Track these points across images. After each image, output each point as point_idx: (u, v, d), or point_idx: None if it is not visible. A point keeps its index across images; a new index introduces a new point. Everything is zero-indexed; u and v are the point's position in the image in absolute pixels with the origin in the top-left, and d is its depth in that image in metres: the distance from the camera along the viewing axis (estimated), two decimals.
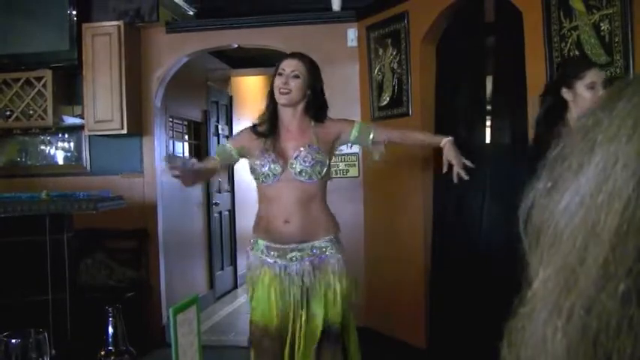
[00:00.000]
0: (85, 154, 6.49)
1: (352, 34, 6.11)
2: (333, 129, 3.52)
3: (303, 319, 3.30)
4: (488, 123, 6.02)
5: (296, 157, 3.33)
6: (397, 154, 5.72)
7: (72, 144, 6.58)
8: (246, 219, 9.19)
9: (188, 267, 7.32)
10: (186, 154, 7.67)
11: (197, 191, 7.76)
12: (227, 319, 7.55)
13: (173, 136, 7.21)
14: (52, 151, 6.62)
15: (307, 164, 3.32)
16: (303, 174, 3.32)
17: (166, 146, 6.75)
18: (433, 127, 5.44)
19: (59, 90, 6.19)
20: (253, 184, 3.54)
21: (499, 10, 5.00)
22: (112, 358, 1.59)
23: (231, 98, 9.05)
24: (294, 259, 3.35)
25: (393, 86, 5.70)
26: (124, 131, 6.03)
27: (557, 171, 0.54)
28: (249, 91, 10.02)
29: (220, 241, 8.45)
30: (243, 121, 9.47)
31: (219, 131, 8.54)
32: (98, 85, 6.01)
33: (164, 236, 6.49)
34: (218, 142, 8.48)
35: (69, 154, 6.59)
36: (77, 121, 6.28)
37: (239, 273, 9.07)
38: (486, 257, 4.78)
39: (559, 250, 0.50)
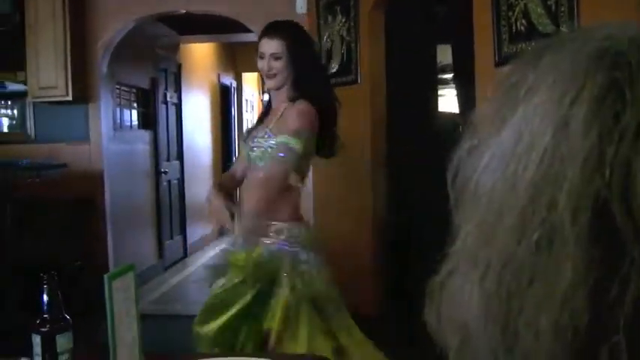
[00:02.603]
0: (30, 122, 6.35)
1: (301, 1, 6.04)
2: (289, 119, 2.95)
3: None
4: (440, 92, 6.08)
5: (253, 142, 2.96)
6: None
7: (15, 111, 6.43)
8: (195, 187, 9.17)
9: (136, 236, 7.24)
10: (135, 121, 7.56)
11: (145, 160, 7.66)
12: (176, 288, 7.51)
13: (120, 104, 7.08)
14: None
15: (258, 150, 2.93)
16: (257, 160, 2.93)
17: (113, 113, 6.63)
18: (384, 95, 5.44)
19: (1, 55, 6.01)
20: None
21: None
22: (47, 326, 1.56)
23: (180, 66, 8.91)
24: None
25: (342, 54, 5.67)
26: (70, 98, 5.89)
27: (481, 129, 0.54)
28: (199, 59, 9.89)
29: (169, 210, 8.37)
30: (192, 89, 9.37)
31: (168, 99, 8.41)
32: (42, 50, 5.85)
33: (111, 205, 6.39)
34: (167, 111, 8.38)
35: (13, 122, 6.45)
36: (20, 87, 6.12)
37: (189, 242, 9.02)
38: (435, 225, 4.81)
39: (480, 205, 0.50)
